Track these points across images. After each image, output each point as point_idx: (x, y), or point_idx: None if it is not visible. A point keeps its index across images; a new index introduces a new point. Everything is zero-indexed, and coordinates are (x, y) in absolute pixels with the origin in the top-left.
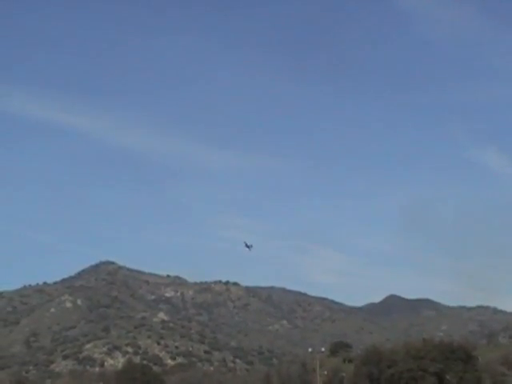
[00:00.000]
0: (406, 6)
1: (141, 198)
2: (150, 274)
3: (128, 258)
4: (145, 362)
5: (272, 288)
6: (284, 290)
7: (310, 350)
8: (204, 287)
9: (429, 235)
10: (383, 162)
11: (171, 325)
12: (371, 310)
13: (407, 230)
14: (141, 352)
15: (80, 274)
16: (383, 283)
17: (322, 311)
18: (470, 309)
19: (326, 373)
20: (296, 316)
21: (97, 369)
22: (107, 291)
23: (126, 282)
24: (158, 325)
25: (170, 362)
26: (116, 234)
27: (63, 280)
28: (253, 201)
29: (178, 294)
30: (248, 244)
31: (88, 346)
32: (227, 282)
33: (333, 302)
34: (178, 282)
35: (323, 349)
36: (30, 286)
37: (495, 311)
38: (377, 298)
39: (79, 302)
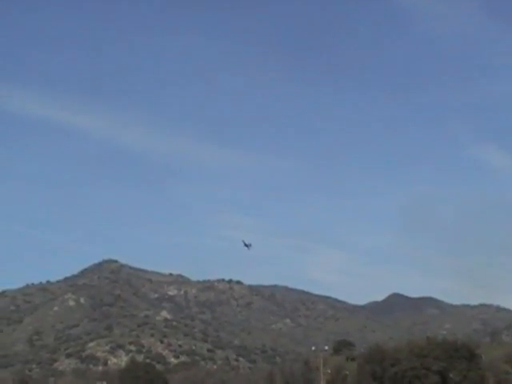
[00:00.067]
0: (407, 5)
1: (143, 196)
2: (153, 273)
3: (131, 257)
4: (148, 360)
5: (275, 286)
6: (287, 289)
7: (313, 348)
8: (207, 286)
9: (431, 233)
10: (384, 160)
11: (174, 323)
12: (374, 308)
13: (409, 229)
14: (144, 350)
15: (83, 273)
16: (386, 282)
17: (325, 310)
18: (473, 307)
19: (329, 371)
20: (299, 314)
21: (100, 367)
22: (110, 290)
23: (128, 281)
24: (161, 323)
25: (173, 360)
26: (119, 233)
27: (66, 278)
28: (254, 200)
29: (181, 292)
30: (246, 243)
31: (91, 344)
32: (230, 281)
33: (336, 300)
34: (180, 280)
35: (326, 347)
36: (33, 284)
37: (498, 309)
38: (380, 296)
39: (82, 300)
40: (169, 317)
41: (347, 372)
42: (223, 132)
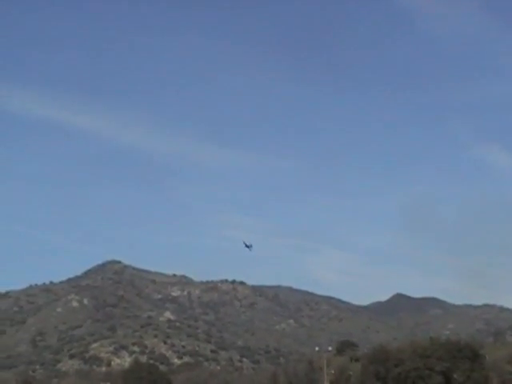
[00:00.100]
0: (407, 5)
1: (145, 197)
2: (157, 273)
3: (134, 258)
4: (151, 361)
5: (278, 287)
6: (290, 289)
7: (316, 348)
8: (210, 286)
9: (433, 233)
10: (385, 160)
11: (178, 324)
12: (378, 308)
13: (411, 229)
14: (147, 351)
15: (86, 274)
16: (389, 282)
17: (329, 310)
18: (476, 307)
19: (332, 372)
20: (303, 315)
21: (103, 368)
22: (113, 290)
23: (132, 282)
24: (164, 324)
25: (176, 361)
26: (122, 234)
27: (69, 279)
28: (256, 200)
29: (185, 293)
30: (247, 244)
31: (94, 345)
32: (234, 281)
33: (339, 301)
34: (184, 281)
35: (330, 348)
36: (36, 285)
37: (502, 309)
38: (383, 296)
39: (85, 301)
40: (172, 317)
41: (351, 372)
42: (224, 132)
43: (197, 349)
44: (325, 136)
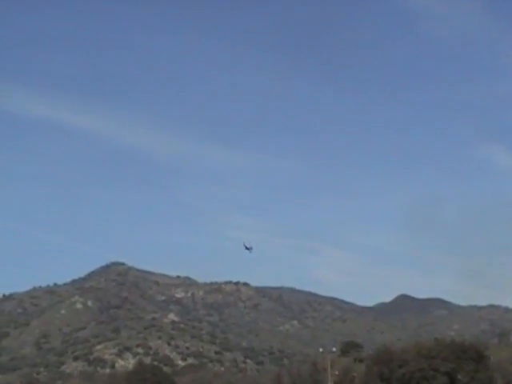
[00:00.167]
0: (408, 5)
1: (148, 198)
2: (160, 275)
3: (138, 259)
4: (155, 362)
5: (282, 288)
6: (294, 290)
7: (320, 349)
8: (214, 288)
9: (437, 234)
10: (388, 160)
11: (182, 325)
12: (382, 309)
13: (415, 229)
14: (151, 353)
15: (90, 275)
16: (393, 283)
17: (333, 311)
18: (481, 308)
19: (337, 372)
20: (306, 316)
21: (107, 370)
22: (117, 292)
23: (136, 283)
24: (168, 325)
25: (180, 362)
26: (125, 235)
27: (73, 281)
28: (259, 201)
29: (189, 294)
30: (247, 246)
31: (98, 347)
32: (237, 283)
33: (343, 301)
34: (188, 282)
35: (334, 349)
36: (40, 287)
37: (506, 310)
38: (387, 297)
39: (89, 303)
40: (176, 319)
41: (355, 373)
42: (224, 132)
43: (201, 350)
44: (329, 135)
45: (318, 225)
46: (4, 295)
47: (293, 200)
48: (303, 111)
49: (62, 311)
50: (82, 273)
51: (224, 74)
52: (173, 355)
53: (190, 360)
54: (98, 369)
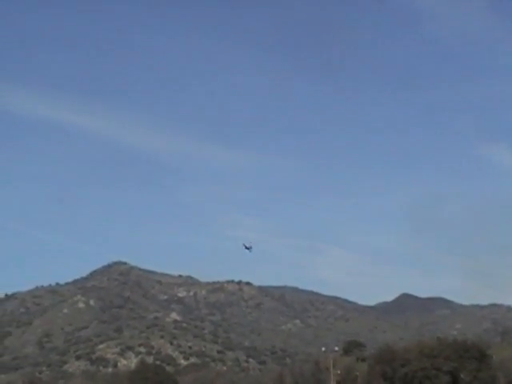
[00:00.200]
0: (411, 4)
1: (149, 197)
2: (163, 274)
3: (140, 259)
4: (158, 362)
5: (284, 287)
6: (296, 290)
7: (323, 349)
8: (216, 287)
9: (439, 233)
10: (390, 160)
11: (184, 325)
12: (384, 308)
13: (417, 229)
14: (154, 352)
15: (92, 275)
16: (395, 282)
17: (335, 310)
18: (483, 307)
19: (339, 372)
20: (309, 315)
21: (110, 369)
22: (119, 291)
23: (138, 283)
24: (170, 325)
25: (183, 362)
26: (127, 235)
27: (75, 280)
28: (260, 200)
29: (191, 293)
30: (247, 245)
31: (101, 346)
32: (240, 282)
33: (346, 301)
34: (190, 281)
35: (336, 348)
36: (42, 286)
37: (509, 309)
38: (389, 296)
39: (92, 302)
40: (178, 318)
41: (357, 373)
42: (227, 132)
43: (203, 349)
44: (332, 135)
45: (320, 224)
46: (6, 295)
47: (294, 200)
48: (303, 111)
49: (65, 310)
50: (84, 272)
51: (224, 74)
52: (175, 354)
53: (193, 359)
54: (101, 368)
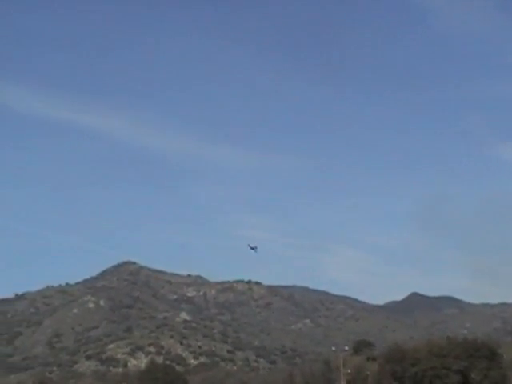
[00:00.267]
0: (413, 3)
1: (159, 197)
2: (172, 274)
3: (149, 259)
4: (168, 361)
5: (294, 287)
6: (306, 289)
7: (333, 348)
8: (226, 286)
9: (448, 232)
10: (401, 159)
11: (194, 324)
12: (394, 308)
13: (426, 228)
14: (163, 352)
15: (102, 275)
16: (405, 281)
17: (345, 310)
18: (493, 306)
19: (349, 371)
20: (319, 315)
21: (120, 369)
22: (129, 291)
23: (147, 282)
24: (180, 325)
25: (192, 361)
26: (137, 235)
27: (85, 280)
28: (271, 200)
29: (201, 293)
30: (252, 246)
31: (111, 346)
32: (249, 282)
33: (355, 300)
34: (199, 281)
35: (346, 347)
36: (52, 286)
37: None
38: (399, 296)
39: (101, 302)
40: (188, 318)
41: (367, 372)
42: (226, 132)
43: (213, 349)
44: (339, 135)
45: (329, 224)
46: (16, 295)
47: (305, 199)
48: (303, 111)
49: (75, 310)
50: (94, 272)
51: (224, 74)
52: (185, 354)
53: (202, 359)
54: (111, 368)
